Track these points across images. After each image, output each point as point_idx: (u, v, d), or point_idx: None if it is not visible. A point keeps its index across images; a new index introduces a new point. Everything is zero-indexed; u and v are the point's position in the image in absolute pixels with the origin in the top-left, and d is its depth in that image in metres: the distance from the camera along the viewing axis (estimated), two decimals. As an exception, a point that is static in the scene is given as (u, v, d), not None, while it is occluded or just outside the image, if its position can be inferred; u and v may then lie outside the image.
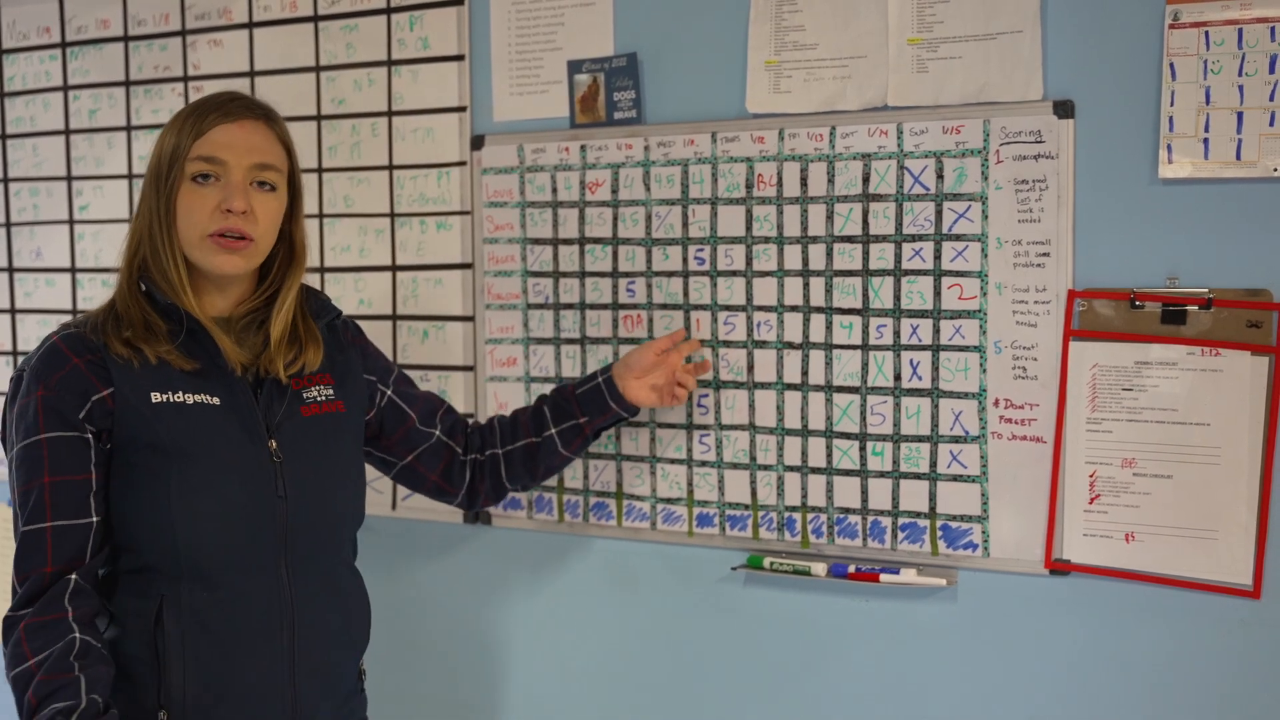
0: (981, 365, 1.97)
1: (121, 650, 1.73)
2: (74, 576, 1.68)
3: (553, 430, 2.06)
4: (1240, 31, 1.82)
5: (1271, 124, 1.80)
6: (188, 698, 1.72)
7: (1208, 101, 1.84)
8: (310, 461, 1.82)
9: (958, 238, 1.98)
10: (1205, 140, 1.84)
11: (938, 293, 1.99)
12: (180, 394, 1.75)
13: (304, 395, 1.85)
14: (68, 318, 2.78)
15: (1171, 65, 1.85)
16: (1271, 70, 1.80)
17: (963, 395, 1.99)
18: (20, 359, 2.00)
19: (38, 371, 1.72)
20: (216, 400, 1.77)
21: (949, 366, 1.99)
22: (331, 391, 1.89)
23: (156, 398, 1.73)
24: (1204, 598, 1.86)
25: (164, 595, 1.73)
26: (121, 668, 1.71)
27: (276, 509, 1.77)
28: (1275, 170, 1.80)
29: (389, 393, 2.02)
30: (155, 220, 1.77)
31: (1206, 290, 1.84)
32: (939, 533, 2.01)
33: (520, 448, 2.06)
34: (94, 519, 1.71)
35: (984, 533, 1.98)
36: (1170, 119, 1.86)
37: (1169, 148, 1.86)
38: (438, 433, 2.05)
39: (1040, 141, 1.93)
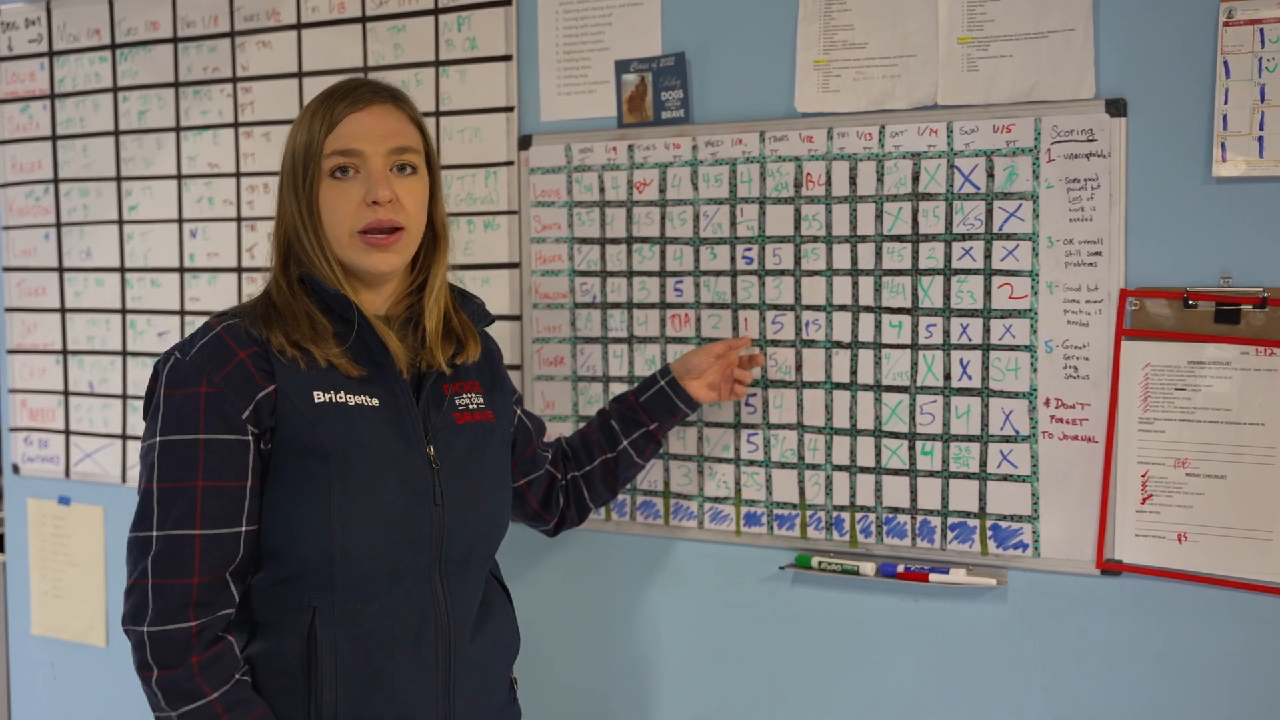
0: (1032, 365, 1.97)
1: (270, 664, 1.65)
2: (226, 593, 1.61)
3: (625, 442, 2.05)
4: (1296, 29, 1.81)
5: (1327, 122, 1.79)
6: (340, 712, 1.64)
7: (1262, 99, 1.83)
8: (466, 469, 1.74)
9: (1008, 237, 1.97)
10: (1260, 138, 1.83)
11: (988, 292, 1.99)
12: (342, 394, 1.66)
13: (456, 402, 1.77)
14: (115, 318, 2.81)
15: (1225, 63, 1.84)
16: (1328, 68, 1.79)
17: (1013, 395, 1.98)
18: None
19: (200, 363, 1.62)
20: (375, 401, 1.68)
21: (999, 366, 1.99)
22: (481, 400, 1.81)
23: (319, 397, 1.65)
24: (1258, 599, 1.85)
25: (316, 607, 1.64)
26: (270, 681, 1.65)
27: (434, 517, 1.69)
28: (1331, 168, 1.78)
29: (519, 411, 1.98)
30: (300, 222, 1.69)
31: (1261, 289, 1.83)
32: (989, 532, 2.01)
33: (598, 466, 2.04)
34: (244, 528, 1.62)
35: (1034, 533, 1.98)
36: (1224, 117, 1.85)
37: (1223, 146, 1.85)
38: (549, 457, 2.04)
39: (1092, 140, 1.92)
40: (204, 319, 1.92)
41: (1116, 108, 1.90)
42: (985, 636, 2.02)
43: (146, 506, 1.61)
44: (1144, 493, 1.90)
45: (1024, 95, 1.96)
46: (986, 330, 1.99)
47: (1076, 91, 1.93)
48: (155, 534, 1.59)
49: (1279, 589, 1.83)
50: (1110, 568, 1.93)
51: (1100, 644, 1.95)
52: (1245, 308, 1.84)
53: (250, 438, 1.62)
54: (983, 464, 2.00)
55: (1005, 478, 1.99)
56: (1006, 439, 1.99)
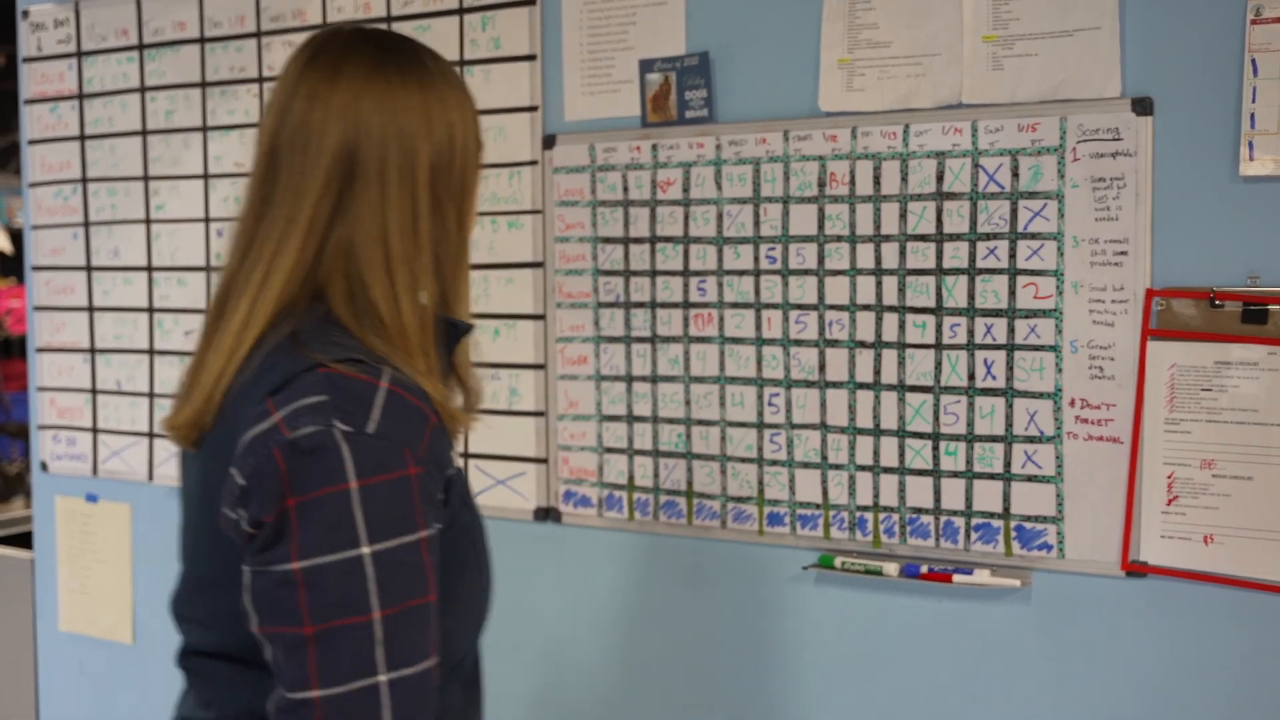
0: (1057, 365, 1.96)
1: None
2: None
3: None
4: (1324, 26, 1.79)
5: (1357, 120, 1.78)
6: None
7: (1292, 97, 1.81)
8: None
9: (1033, 236, 1.96)
10: (1288, 137, 1.81)
11: (1013, 292, 1.98)
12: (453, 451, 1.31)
13: None
14: (143, 317, 2.82)
15: (1253, 60, 1.83)
16: (1357, 66, 1.78)
17: (1038, 395, 1.97)
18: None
19: (397, 433, 1.17)
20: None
21: (1024, 366, 1.98)
22: None
23: (459, 463, 1.31)
24: (1285, 601, 1.84)
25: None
26: None
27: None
28: (1360, 167, 1.77)
29: None
30: (451, 230, 1.33)
31: (1289, 289, 1.82)
32: (1013, 533, 2.00)
33: None
34: None
35: (1059, 534, 1.97)
36: (1252, 115, 1.83)
37: (1250, 145, 1.83)
38: None
39: (1118, 139, 1.91)
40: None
41: (1143, 106, 1.89)
42: (1009, 638, 2.01)
43: (361, 646, 1.13)
44: (1170, 494, 1.89)
45: (1049, 94, 1.95)
46: (1011, 330, 1.98)
47: (1102, 90, 1.91)
48: (385, 679, 1.14)
49: (1306, 591, 1.82)
50: (1135, 569, 1.91)
51: (1125, 646, 1.93)
52: (1273, 308, 1.82)
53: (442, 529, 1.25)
54: (1007, 464, 1.99)
55: (1030, 478, 1.98)
56: (1031, 439, 1.98)
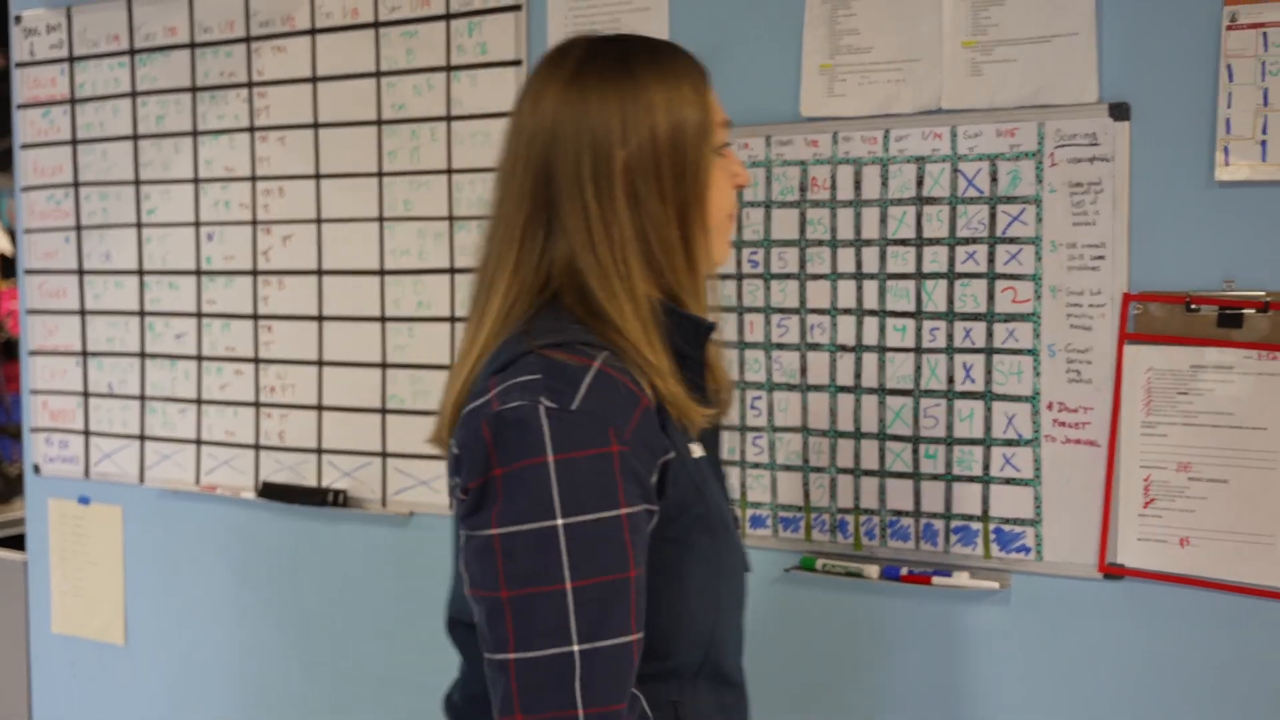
0: (1035, 368, 1.97)
1: None
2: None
3: None
4: (1299, 33, 1.81)
5: (1331, 126, 1.79)
6: None
7: (1265, 103, 1.82)
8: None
9: (1011, 241, 1.98)
10: (1263, 142, 1.82)
11: (991, 296, 1.99)
12: (695, 446, 1.35)
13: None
14: (134, 320, 2.84)
15: (1229, 67, 1.84)
16: (1331, 72, 1.79)
17: (1016, 398, 1.98)
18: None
19: (601, 412, 1.20)
20: (703, 453, 1.38)
21: (1002, 370, 1.99)
22: None
23: (696, 451, 1.34)
24: (1260, 603, 1.84)
25: (678, 703, 1.33)
26: None
27: (747, 584, 1.44)
28: (1334, 172, 1.78)
29: None
30: (680, 219, 1.31)
31: (1264, 294, 1.83)
32: (992, 536, 2.01)
33: None
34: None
35: (1037, 536, 1.98)
36: (1227, 121, 1.85)
37: (1226, 150, 1.84)
38: None
39: (1096, 144, 1.92)
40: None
41: (1120, 112, 1.90)
42: (988, 639, 2.02)
43: (554, 614, 1.17)
44: (1146, 496, 1.90)
45: (1027, 99, 1.96)
46: (990, 334, 2.00)
47: (1080, 95, 1.93)
48: (578, 648, 1.16)
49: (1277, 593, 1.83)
50: (1112, 571, 1.92)
51: (1102, 647, 1.95)
52: (1248, 312, 1.83)
53: (653, 508, 1.26)
54: (985, 467, 2.01)
55: (1008, 481, 1.99)
56: (1009, 442, 1.99)
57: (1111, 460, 1.92)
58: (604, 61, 1.32)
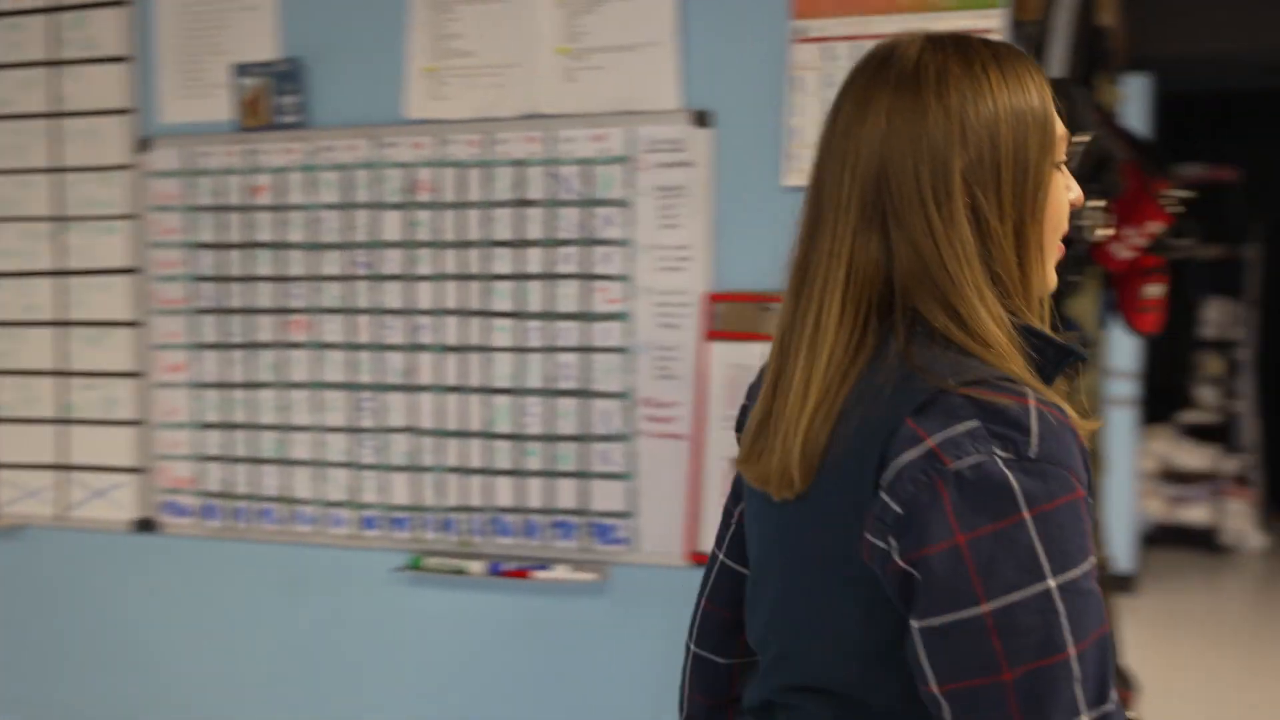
0: (629, 366, 2.04)
1: None
2: None
3: None
4: (859, 47, 1.92)
5: (886, 135, 1.91)
6: None
7: (829, 113, 1.93)
8: None
9: (605, 243, 2.04)
10: (828, 150, 1.93)
11: (586, 296, 2.05)
12: None
13: None
14: None
15: (797, 78, 1.95)
16: (885, 85, 1.91)
17: (612, 395, 2.05)
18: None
19: (1059, 456, 1.07)
20: None
21: (599, 368, 2.05)
22: None
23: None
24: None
25: None
26: None
27: None
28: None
29: None
30: (1017, 235, 1.19)
31: (830, 292, 1.93)
32: (590, 529, 2.07)
33: None
34: None
35: (633, 528, 2.05)
36: (797, 129, 1.95)
37: (795, 157, 1.95)
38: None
39: (680, 150, 2.00)
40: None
41: (701, 119, 1.99)
42: (589, 629, 2.08)
43: (1064, 688, 1.04)
44: (727, 485, 1.99)
45: (618, 105, 2.03)
46: (586, 333, 2.05)
47: (665, 103, 2.01)
48: (1112, 705, 1.07)
49: (850, 575, 1.94)
50: (700, 559, 2.01)
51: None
52: (815, 310, 1.94)
53: None
54: (584, 463, 2.06)
55: (605, 476, 2.05)
56: (606, 439, 2.05)
57: (697, 452, 2.00)
58: (940, 62, 1.19)
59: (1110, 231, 2.00)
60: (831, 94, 1.90)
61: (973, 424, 1.07)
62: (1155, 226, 2.09)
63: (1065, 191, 1.23)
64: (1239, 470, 7.32)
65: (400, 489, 2.16)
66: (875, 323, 1.17)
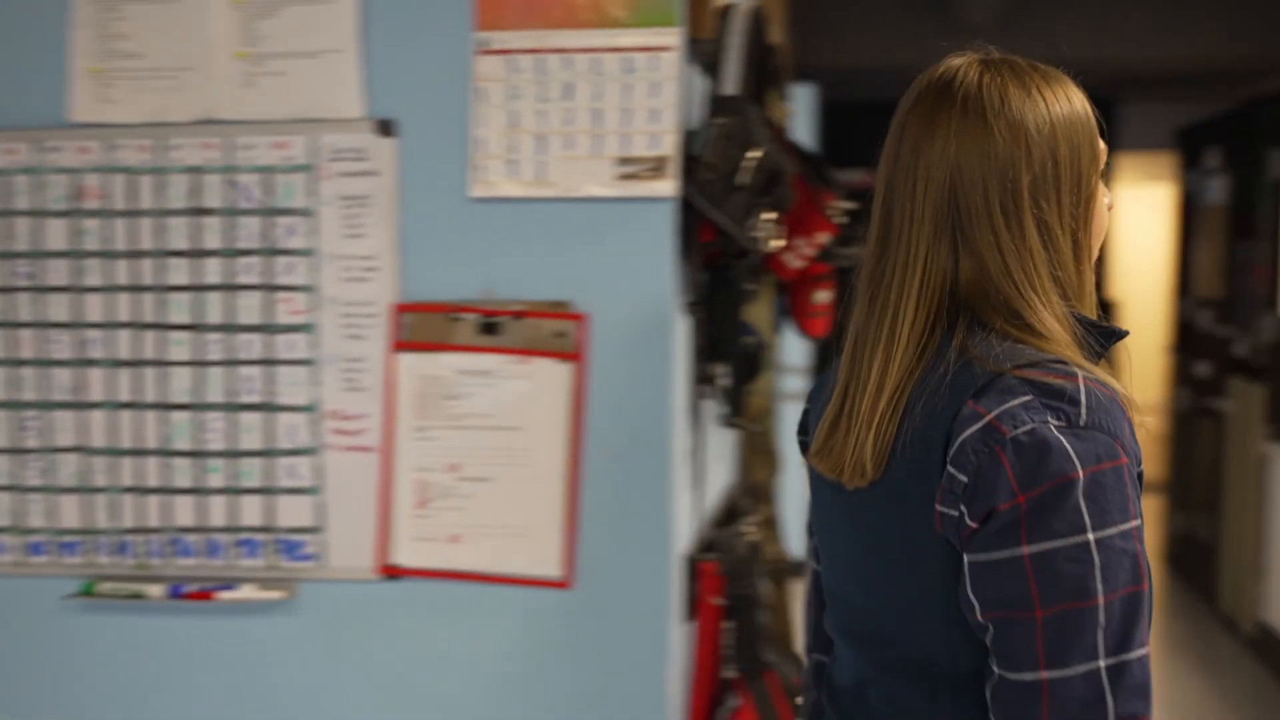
0: (315, 379, 2.00)
1: None
2: None
3: None
4: (541, 60, 1.95)
5: (570, 147, 1.95)
6: None
7: (514, 125, 1.95)
8: None
9: (288, 253, 1.99)
10: (513, 161, 1.95)
11: (269, 308, 2.00)
12: None
13: None
14: None
15: (481, 89, 1.95)
16: (568, 98, 1.94)
17: (297, 409, 2.00)
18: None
19: (1106, 424, 1.21)
20: None
21: (283, 381, 2.00)
22: None
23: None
24: (525, 591, 1.98)
25: None
26: None
27: None
28: (572, 191, 1.94)
29: None
30: (1073, 239, 1.32)
31: (518, 302, 1.96)
32: (278, 546, 2.02)
33: None
34: None
35: (322, 543, 2.01)
36: (482, 140, 1.96)
37: (481, 168, 1.96)
38: None
39: (364, 159, 1.98)
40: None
41: (386, 128, 1.97)
42: (277, 650, 2.03)
43: (1087, 631, 1.18)
44: (419, 498, 1.98)
45: (300, 113, 1.99)
46: (269, 346, 2.00)
47: (348, 111, 1.98)
48: (1106, 663, 1.18)
49: (542, 581, 1.97)
50: (391, 572, 1.99)
51: (385, 646, 2.01)
52: (504, 319, 1.96)
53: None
54: (269, 479, 2.01)
55: (292, 491, 2.01)
56: (292, 453, 2.01)
57: (387, 465, 1.99)
58: (1000, 85, 1.31)
59: (782, 242, 2.10)
60: (516, 106, 1.94)
61: (1027, 398, 1.21)
62: (824, 237, 2.20)
63: (1105, 198, 1.37)
64: (901, 458, 7.76)
65: (70, 511, 2.05)
66: (938, 325, 1.30)
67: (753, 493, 2.42)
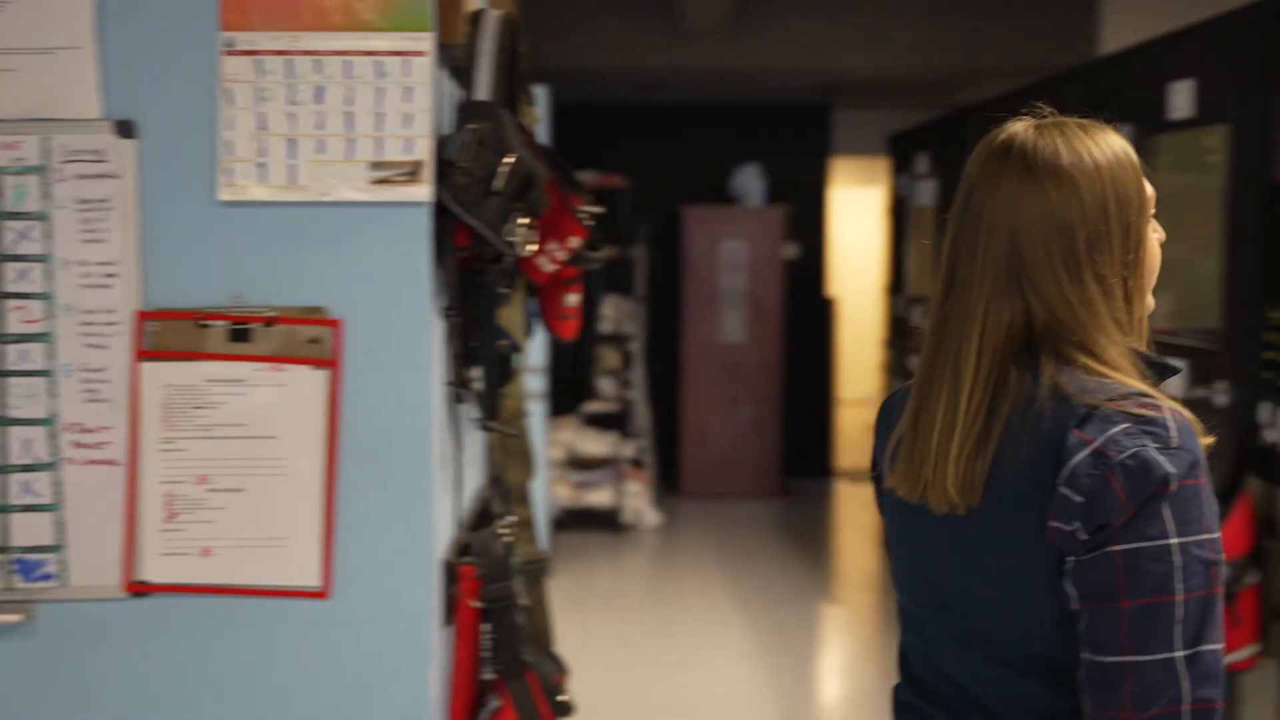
0: (52, 390, 1.91)
1: None
2: None
3: None
4: (291, 62, 1.92)
5: (322, 151, 1.92)
6: None
7: (263, 127, 1.91)
8: None
9: (21, 258, 1.90)
10: (262, 164, 1.92)
11: (1, 316, 1.90)
12: None
13: None
14: None
15: (228, 90, 1.91)
16: (319, 101, 1.92)
17: (32, 422, 1.91)
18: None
19: (1191, 446, 1.40)
20: None
21: (17, 393, 1.91)
22: None
23: None
24: (282, 603, 1.94)
25: None
26: None
27: None
28: (325, 195, 1.91)
29: None
30: (1123, 279, 1.48)
31: (270, 308, 1.92)
32: (13, 567, 1.92)
33: None
34: None
35: (62, 561, 1.92)
36: (230, 142, 1.91)
37: (229, 170, 1.91)
38: None
39: (103, 161, 1.90)
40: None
41: (126, 129, 1.90)
42: (15, 676, 1.93)
43: (1169, 622, 1.37)
44: (168, 511, 1.92)
45: (32, 111, 1.90)
46: (1, 356, 1.90)
47: (84, 111, 1.90)
48: (1182, 654, 1.36)
49: (299, 592, 1.93)
50: (139, 589, 1.92)
51: (132, 667, 1.94)
52: (255, 326, 1.92)
53: None
54: (3, 496, 1.91)
55: (28, 508, 1.92)
56: (28, 468, 1.91)
57: (133, 478, 1.92)
58: (1052, 149, 1.46)
59: (535, 246, 2.12)
60: (265, 108, 1.91)
61: (1125, 425, 1.39)
62: (575, 241, 2.24)
63: (1156, 237, 1.52)
64: (635, 454, 7.94)
65: None
66: (1014, 366, 1.45)
67: (507, 495, 2.43)
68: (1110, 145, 1.48)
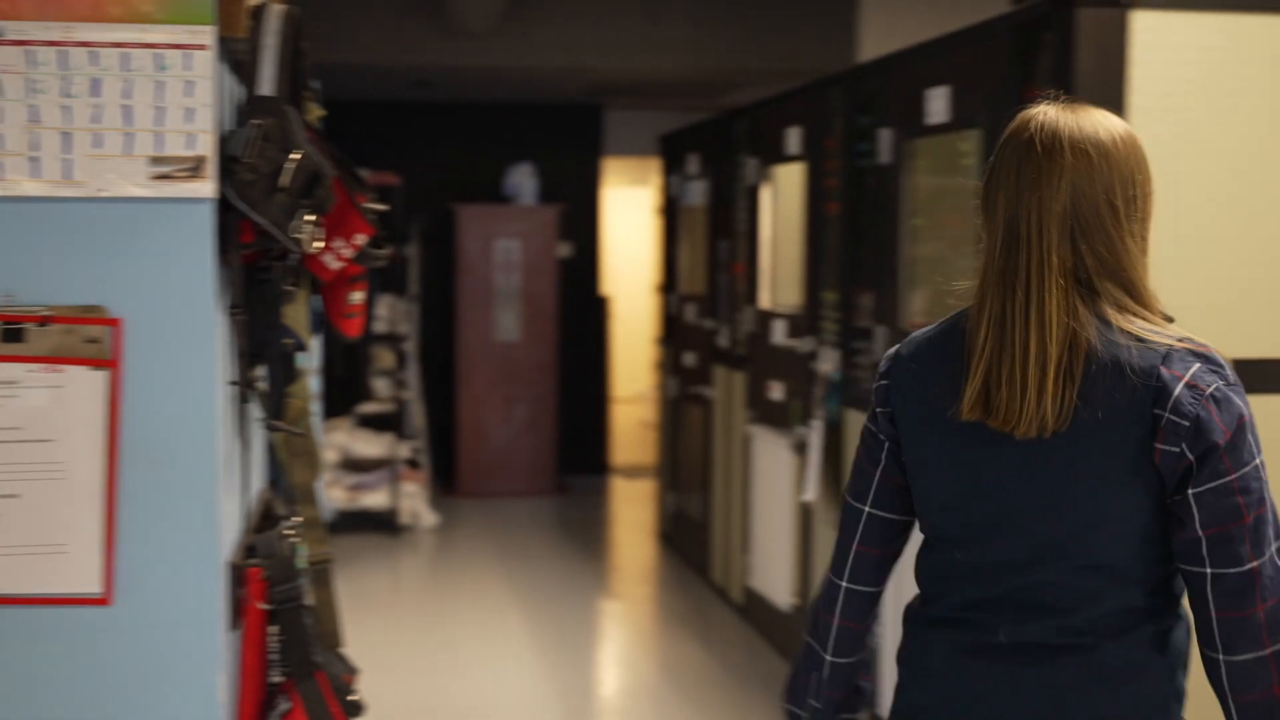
0: None
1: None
2: None
3: None
4: (65, 53, 1.86)
5: (99, 146, 1.87)
6: None
7: (35, 120, 1.85)
8: None
9: None
10: (35, 158, 1.85)
11: None
12: None
13: None
14: None
15: (-3, 81, 1.84)
16: (96, 94, 1.87)
17: None
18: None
19: (1240, 381, 1.72)
20: None
21: None
22: None
23: None
24: (61, 611, 1.88)
25: None
26: None
27: None
28: (102, 190, 1.86)
29: None
30: (1136, 245, 1.77)
31: (45, 307, 1.86)
32: None
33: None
34: None
35: None
36: (2, 135, 1.84)
37: (2, 165, 1.84)
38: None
39: None
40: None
41: (-116, 120, 1.81)
42: None
43: (1274, 523, 1.70)
44: None
45: None
46: None
47: None
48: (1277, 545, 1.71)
49: (79, 599, 1.88)
50: (-96, 603, 1.84)
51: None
52: (29, 326, 1.85)
53: None
54: None
55: None
56: None
57: (-104, 486, 1.83)
58: (1091, 128, 1.75)
59: (322, 244, 2.11)
60: (38, 100, 1.85)
61: (1198, 364, 1.68)
62: (361, 238, 2.23)
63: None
64: (411, 455, 7.88)
65: None
66: (1080, 304, 1.69)
67: (291, 495, 2.40)
68: (1125, 125, 1.79)
